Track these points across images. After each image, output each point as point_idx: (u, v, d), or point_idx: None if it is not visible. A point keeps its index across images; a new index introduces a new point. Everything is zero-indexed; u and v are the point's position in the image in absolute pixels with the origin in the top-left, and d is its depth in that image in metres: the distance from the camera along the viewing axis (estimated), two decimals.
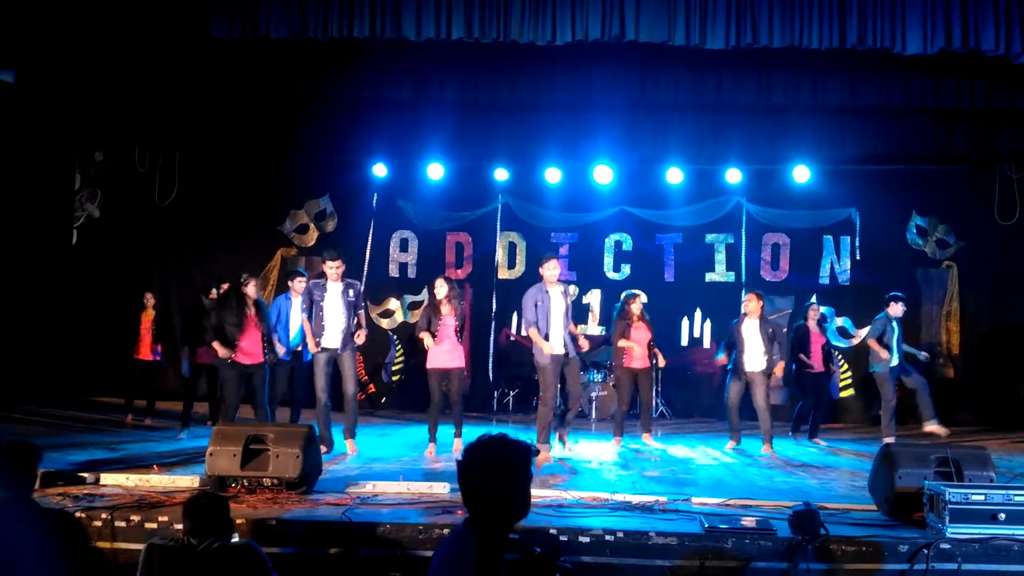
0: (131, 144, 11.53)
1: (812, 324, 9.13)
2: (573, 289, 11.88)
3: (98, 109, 10.11)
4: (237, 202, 11.73)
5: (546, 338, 7.28)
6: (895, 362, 8.73)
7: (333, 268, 7.35)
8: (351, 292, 7.43)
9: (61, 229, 11.43)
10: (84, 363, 11.06)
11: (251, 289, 7.38)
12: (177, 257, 11.81)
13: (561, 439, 7.80)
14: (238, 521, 4.32)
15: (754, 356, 8.31)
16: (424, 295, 12.11)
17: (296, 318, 8.00)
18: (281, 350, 7.69)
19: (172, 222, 11.72)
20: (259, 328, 7.33)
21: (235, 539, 3.61)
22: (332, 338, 7.28)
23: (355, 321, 7.40)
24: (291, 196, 12.12)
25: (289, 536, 4.56)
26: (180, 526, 3.95)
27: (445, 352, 7.54)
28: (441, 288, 7.70)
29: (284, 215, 12.10)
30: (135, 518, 4.61)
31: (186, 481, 5.49)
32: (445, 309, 7.61)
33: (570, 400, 7.70)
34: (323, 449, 6.72)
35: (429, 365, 7.59)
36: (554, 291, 7.50)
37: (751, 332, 8.39)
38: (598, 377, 11.29)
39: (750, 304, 8.57)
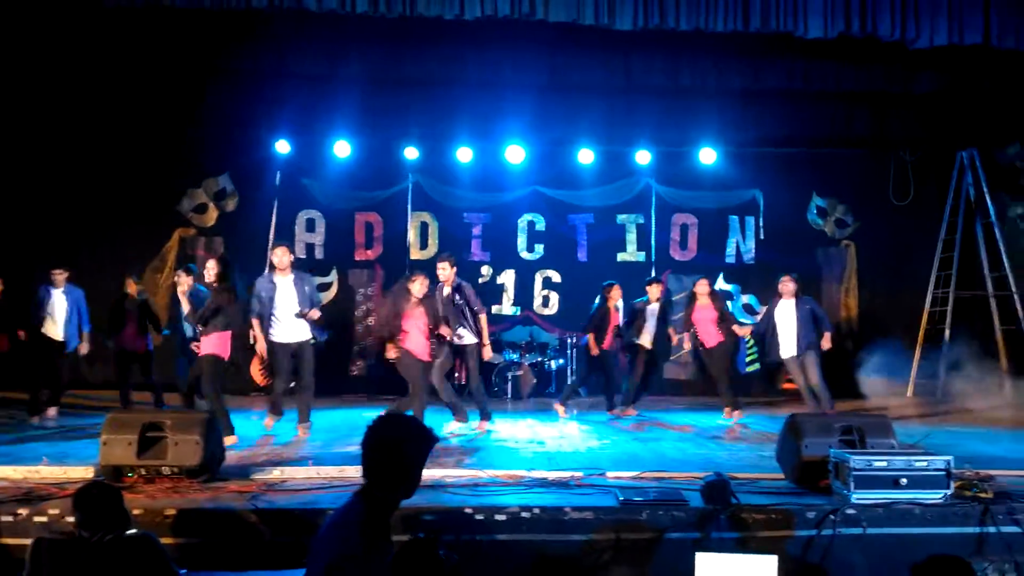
0: (15, 118, 10.77)
1: (612, 305, 9.19)
2: (487, 269, 11.81)
3: None
4: (131, 180, 11.09)
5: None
6: None
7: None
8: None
9: None
10: None
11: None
12: (66, 239, 11.07)
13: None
14: (136, 512, 4.08)
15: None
16: (333, 276, 11.82)
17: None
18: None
19: (59, 201, 11.03)
20: None
21: (131, 531, 3.39)
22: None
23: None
24: (189, 174, 11.57)
25: (191, 526, 4.33)
26: (72, 519, 3.70)
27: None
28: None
29: (181, 194, 11.56)
30: (23, 512, 4.31)
31: (79, 472, 5.18)
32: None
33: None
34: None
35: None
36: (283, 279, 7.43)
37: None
38: (513, 356, 11.29)
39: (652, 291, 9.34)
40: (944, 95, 10.19)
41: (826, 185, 12.11)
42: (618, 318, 9.23)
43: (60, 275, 8.64)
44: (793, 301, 8.60)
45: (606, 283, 9.32)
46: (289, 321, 7.33)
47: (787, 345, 8.50)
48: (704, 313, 8.95)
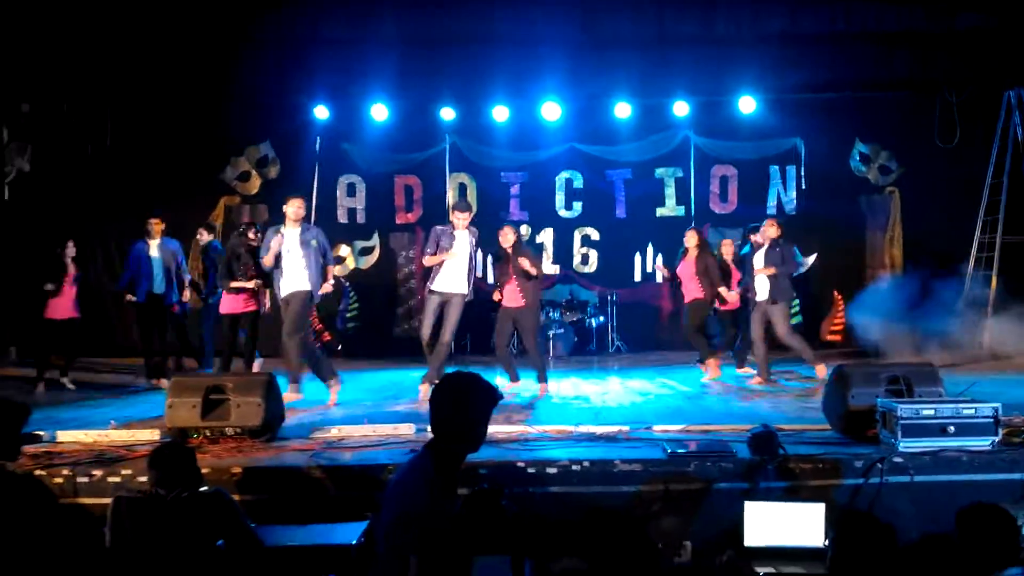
0: (59, 94, 11.00)
1: (726, 259, 9.11)
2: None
3: (22, 59, 9.60)
4: (175, 151, 11.29)
5: None
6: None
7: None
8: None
9: None
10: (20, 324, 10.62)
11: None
12: (115, 210, 11.34)
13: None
14: (204, 471, 4.26)
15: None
16: (375, 240, 11.97)
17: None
18: None
19: (107, 174, 11.28)
20: None
21: (204, 488, 3.57)
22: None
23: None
24: (231, 143, 11.76)
25: (257, 483, 4.53)
26: (144, 479, 3.90)
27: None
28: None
29: (225, 163, 11.76)
30: (97, 473, 4.52)
31: (146, 434, 5.39)
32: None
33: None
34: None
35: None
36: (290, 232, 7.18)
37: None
38: (553, 315, 11.38)
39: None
40: (989, 33, 9.93)
41: (869, 130, 11.89)
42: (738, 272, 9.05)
43: (158, 225, 8.53)
44: (767, 246, 8.32)
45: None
46: (292, 274, 7.07)
47: (760, 290, 8.30)
48: (689, 268, 8.75)
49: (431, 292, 7.43)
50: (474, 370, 2.99)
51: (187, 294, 8.83)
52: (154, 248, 8.52)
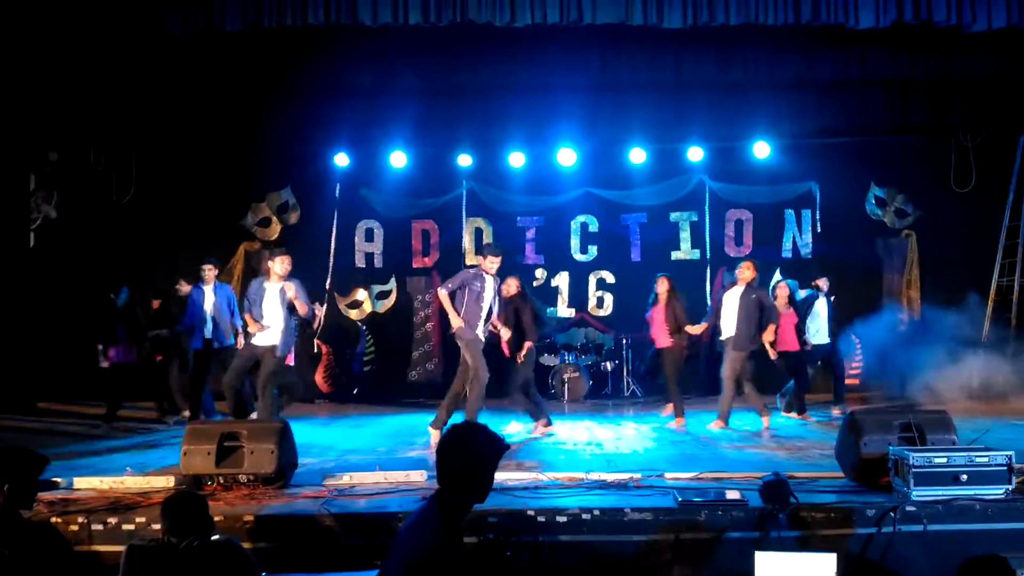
0: (86, 143, 11.29)
1: (780, 304, 9.07)
2: (541, 272, 11.94)
3: (50, 108, 9.89)
4: (197, 197, 11.52)
5: None
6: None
7: None
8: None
9: (17, 232, 11.17)
10: (45, 369, 10.77)
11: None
12: (138, 256, 11.56)
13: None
14: (216, 519, 4.31)
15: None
16: (392, 284, 12.09)
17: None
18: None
19: (131, 221, 11.52)
20: None
21: (215, 537, 3.61)
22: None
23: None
24: (252, 189, 11.97)
25: (268, 531, 4.57)
26: (158, 526, 3.94)
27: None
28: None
29: (246, 209, 11.96)
30: (112, 520, 4.59)
31: (161, 481, 5.45)
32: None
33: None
34: None
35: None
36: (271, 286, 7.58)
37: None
38: (569, 359, 11.38)
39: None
40: (1005, 78, 9.95)
41: (884, 174, 11.93)
42: (793, 316, 9.04)
43: (211, 271, 8.72)
44: (742, 288, 8.36)
45: (774, 283, 9.28)
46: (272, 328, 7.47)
47: (727, 329, 8.31)
48: (659, 314, 8.75)
49: (480, 338, 7.49)
50: (488, 415, 3.04)
51: (240, 340, 8.71)
52: (208, 293, 8.64)
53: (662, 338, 8.79)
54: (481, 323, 7.47)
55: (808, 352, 9.16)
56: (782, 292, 9.19)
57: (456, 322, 7.40)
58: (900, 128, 11.13)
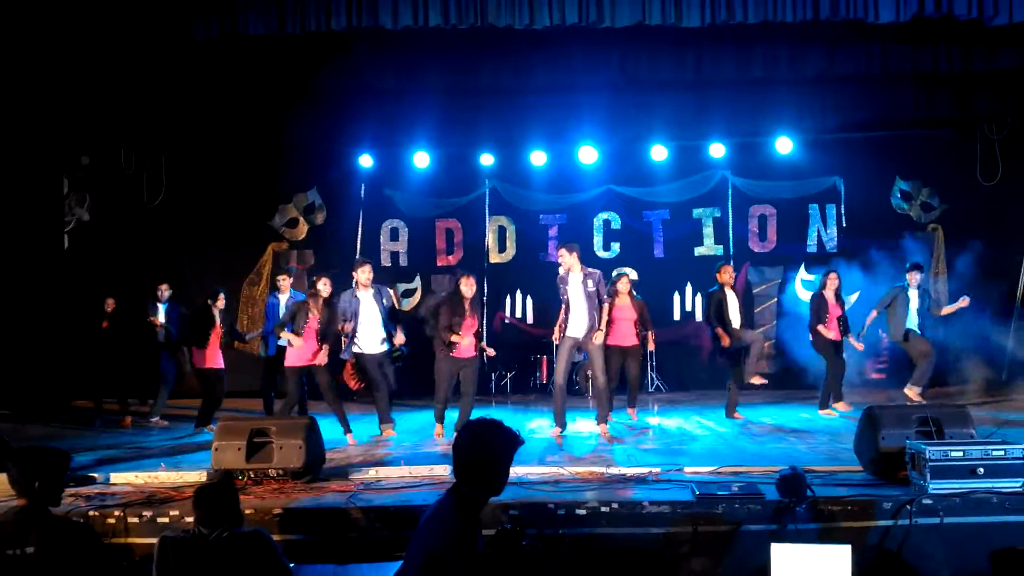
0: (116, 146, 11.56)
1: (829, 293, 8.97)
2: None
3: (82, 113, 10.15)
4: (226, 199, 11.77)
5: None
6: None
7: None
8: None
9: (52, 234, 11.47)
10: (78, 368, 10.98)
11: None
12: (168, 257, 11.79)
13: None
14: (247, 512, 4.46)
15: None
16: (417, 283, 12.24)
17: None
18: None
19: (162, 222, 11.77)
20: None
21: (245, 528, 3.74)
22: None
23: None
24: (279, 191, 12.20)
25: (296, 524, 4.71)
26: (191, 519, 4.09)
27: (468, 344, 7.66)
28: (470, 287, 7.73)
29: (273, 210, 12.19)
30: (147, 513, 4.75)
31: (193, 476, 5.63)
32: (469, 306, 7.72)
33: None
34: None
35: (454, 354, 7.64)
36: (364, 295, 7.78)
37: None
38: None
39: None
40: None
41: (909, 168, 11.87)
42: (838, 308, 8.96)
43: (284, 280, 9.20)
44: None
45: (827, 271, 9.16)
46: (373, 333, 7.73)
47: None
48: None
49: (566, 336, 7.52)
50: (513, 411, 3.12)
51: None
52: (283, 303, 8.97)
53: (628, 336, 8.72)
54: (579, 324, 7.44)
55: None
56: (832, 282, 9.04)
57: (555, 335, 7.67)
58: (925, 121, 11.09)
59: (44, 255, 11.16)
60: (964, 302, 9.13)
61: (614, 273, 9.37)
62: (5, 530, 3.45)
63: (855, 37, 9.34)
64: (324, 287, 7.79)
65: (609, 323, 8.13)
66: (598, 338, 7.49)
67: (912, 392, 8.63)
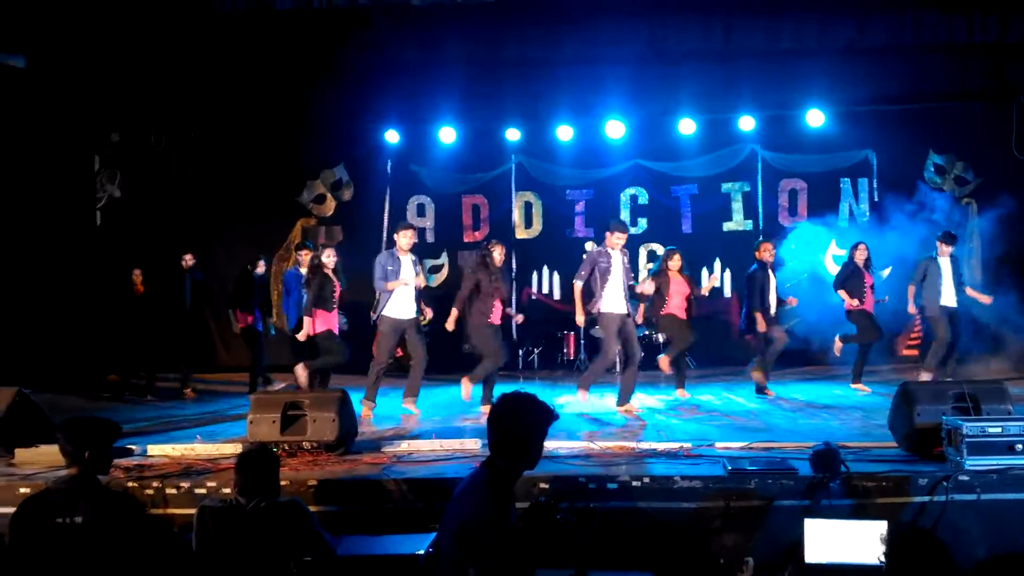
0: (147, 124, 11.63)
1: (860, 263, 8.91)
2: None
3: (111, 90, 10.21)
4: (254, 175, 11.84)
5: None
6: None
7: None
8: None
9: (84, 211, 11.57)
10: (112, 343, 11.15)
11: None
12: (199, 232, 11.88)
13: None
14: (282, 483, 4.51)
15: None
16: (444, 259, 12.26)
17: None
18: None
19: (192, 199, 11.87)
20: None
21: (282, 499, 3.79)
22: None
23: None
24: (307, 167, 12.25)
25: (331, 495, 4.77)
26: (227, 490, 4.16)
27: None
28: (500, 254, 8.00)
29: (301, 186, 12.25)
30: (184, 485, 4.83)
31: (229, 449, 5.71)
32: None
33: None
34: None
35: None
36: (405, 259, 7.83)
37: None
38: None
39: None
40: None
41: (943, 141, 11.67)
42: (869, 278, 8.92)
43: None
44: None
45: (855, 244, 9.10)
46: (406, 299, 7.71)
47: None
48: (679, 287, 8.61)
49: (609, 314, 7.46)
50: (541, 387, 3.13)
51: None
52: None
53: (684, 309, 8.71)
54: (618, 298, 7.42)
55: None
56: (861, 252, 8.98)
57: (579, 317, 7.63)
58: (959, 94, 10.84)
59: (77, 232, 11.27)
60: (987, 300, 9.06)
61: (661, 251, 9.27)
62: (55, 498, 3.53)
63: (887, 6, 9.17)
64: (329, 259, 8.06)
65: (665, 299, 8.41)
66: (649, 287, 7.99)
67: (926, 377, 8.55)
